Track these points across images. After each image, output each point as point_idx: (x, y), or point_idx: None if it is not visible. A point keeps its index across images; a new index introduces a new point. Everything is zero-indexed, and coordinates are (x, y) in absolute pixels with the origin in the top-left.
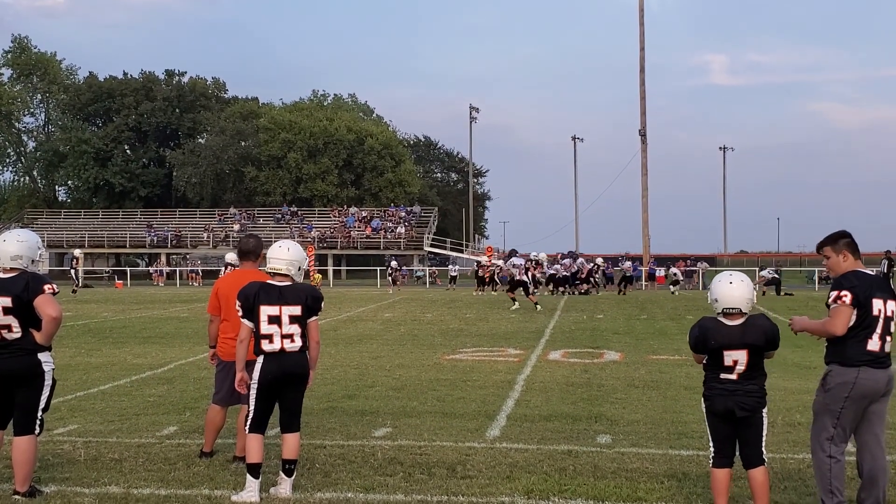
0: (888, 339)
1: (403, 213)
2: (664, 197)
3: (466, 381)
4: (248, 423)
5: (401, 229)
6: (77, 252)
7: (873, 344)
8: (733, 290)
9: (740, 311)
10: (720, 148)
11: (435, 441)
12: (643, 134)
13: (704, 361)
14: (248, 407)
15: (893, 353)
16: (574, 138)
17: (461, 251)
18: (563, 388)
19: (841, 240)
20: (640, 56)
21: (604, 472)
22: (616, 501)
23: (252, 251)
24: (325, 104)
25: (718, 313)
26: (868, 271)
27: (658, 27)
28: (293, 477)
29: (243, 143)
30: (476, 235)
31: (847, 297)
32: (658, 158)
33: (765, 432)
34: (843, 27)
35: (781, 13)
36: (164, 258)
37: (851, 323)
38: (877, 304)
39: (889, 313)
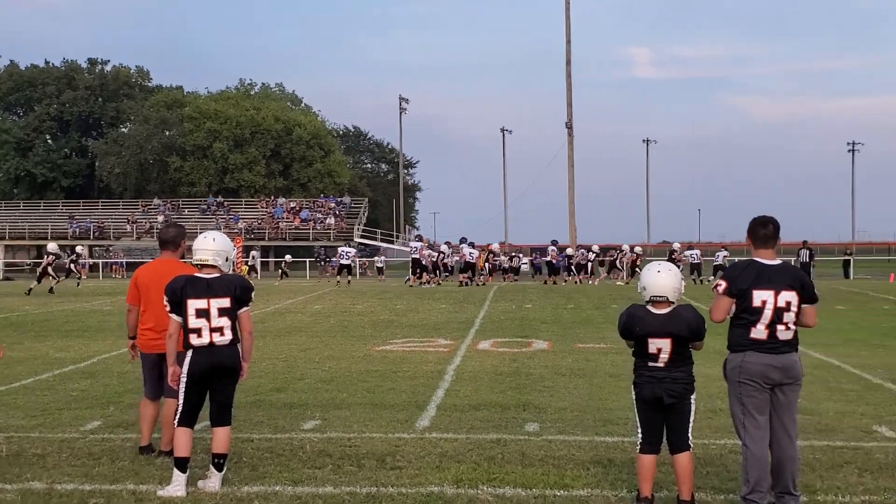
0: (781, 327)
1: (333, 204)
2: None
3: (396, 372)
4: (177, 416)
5: (331, 220)
6: (51, 247)
7: (757, 332)
8: (661, 279)
9: (667, 299)
10: (644, 140)
11: (364, 433)
12: (569, 126)
13: (633, 349)
14: (178, 401)
15: (806, 339)
16: (503, 130)
17: (392, 242)
18: (492, 377)
19: (750, 227)
20: (567, 49)
21: (532, 459)
22: (543, 488)
23: (171, 240)
24: (252, 93)
25: (647, 301)
26: (764, 261)
27: (584, 20)
28: (223, 472)
29: (168, 133)
30: (407, 226)
31: (721, 286)
32: (584, 150)
33: (692, 418)
34: (763, 22)
35: (703, 7)
36: (86, 250)
37: (732, 311)
38: (760, 294)
39: (783, 304)
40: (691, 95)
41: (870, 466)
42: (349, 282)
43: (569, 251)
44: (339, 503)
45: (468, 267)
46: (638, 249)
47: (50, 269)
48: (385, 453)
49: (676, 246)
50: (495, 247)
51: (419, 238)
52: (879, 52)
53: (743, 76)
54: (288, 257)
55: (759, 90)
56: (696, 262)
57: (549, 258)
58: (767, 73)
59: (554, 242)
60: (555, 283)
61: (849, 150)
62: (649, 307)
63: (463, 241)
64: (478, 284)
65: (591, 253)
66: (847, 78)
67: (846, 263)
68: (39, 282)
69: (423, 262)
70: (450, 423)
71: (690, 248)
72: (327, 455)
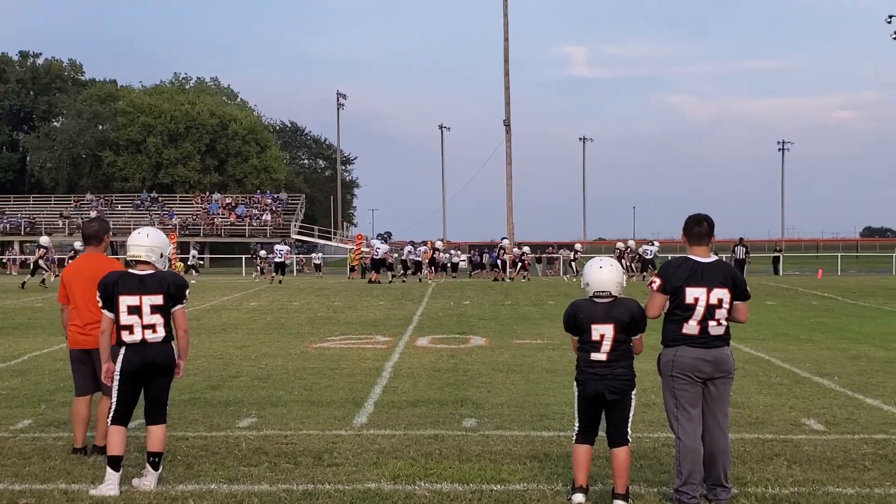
0: (713, 323)
1: (270, 200)
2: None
3: (334, 370)
4: (111, 414)
5: (267, 216)
6: (43, 240)
7: (689, 328)
8: (603, 274)
9: (610, 293)
10: (580, 138)
11: (301, 430)
12: (507, 124)
13: (578, 344)
14: (111, 398)
15: (737, 334)
16: (441, 127)
17: (329, 239)
18: (430, 373)
19: (685, 225)
20: (504, 47)
21: (469, 455)
22: (480, 483)
23: (94, 235)
24: (187, 88)
25: (591, 297)
26: (698, 258)
27: (522, 18)
28: (159, 470)
29: (101, 127)
30: (344, 223)
31: (656, 282)
32: (523, 148)
33: (631, 413)
34: (695, 23)
35: (637, 7)
36: (17, 246)
37: (666, 307)
38: (693, 292)
39: (715, 301)
40: (626, 94)
41: (799, 458)
42: (280, 281)
43: (506, 244)
44: (276, 501)
45: (415, 265)
46: (578, 246)
47: (42, 262)
48: (322, 450)
49: (620, 245)
50: (439, 244)
51: (386, 237)
52: (809, 53)
53: (676, 76)
54: (195, 252)
55: (691, 89)
56: (649, 257)
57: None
58: (699, 73)
59: (503, 239)
60: (503, 279)
61: (779, 149)
62: (593, 300)
63: (388, 235)
64: (420, 280)
65: (524, 248)
66: (777, 78)
67: (776, 260)
68: (33, 275)
69: (389, 261)
70: (387, 420)
71: (651, 244)
72: (263, 453)
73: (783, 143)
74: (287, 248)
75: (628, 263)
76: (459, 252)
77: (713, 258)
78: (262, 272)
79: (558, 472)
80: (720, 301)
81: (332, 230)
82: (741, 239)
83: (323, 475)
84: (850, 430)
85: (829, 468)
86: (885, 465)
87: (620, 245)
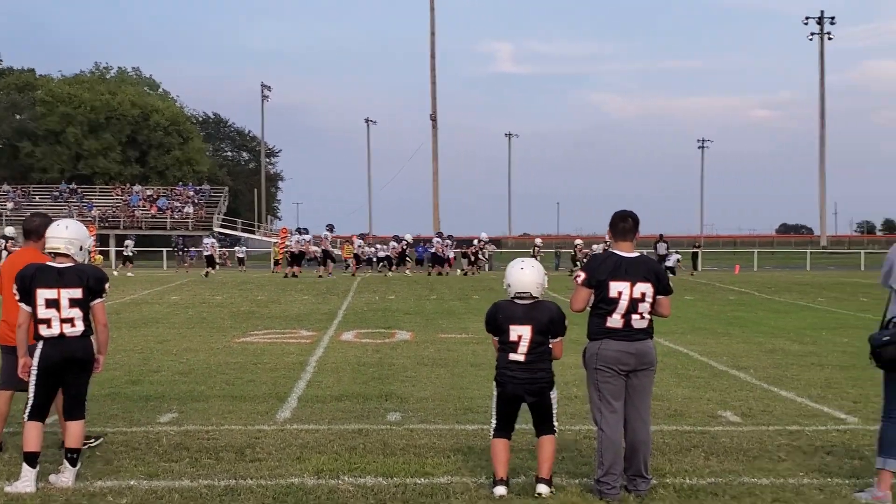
0: (636, 317)
1: (192, 193)
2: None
3: (257, 364)
4: (28, 410)
5: (189, 209)
6: (8, 230)
7: (613, 321)
8: (524, 276)
9: (531, 294)
10: (506, 134)
11: (223, 425)
12: (434, 119)
13: (498, 344)
14: (29, 394)
15: (656, 328)
16: (367, 120)
17: (253, 232)
18: (355, 368)
19: (611, 221)
20: (431, 41)
21: (393, 448)
22: (404, 477)
23: (34, 230)
24: (108, 77)
25: (512, 298)
26: (623, 253)
27: (449, 13)
28: (77, 466)
29: (18, 117)
30: (269, 216)
31: (580, 277)
32: (449, 143)
33: (555, 409)
34: (618, 21)
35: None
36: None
37: (591, 301)
38: (617, 286)
39: (638, 295)
40: (551, 91)
41: (716, 450)
42: (206, 273)
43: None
44: (196, 497)
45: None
46: (538, 241)
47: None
48: (244, 445)
49: (539, 241)
50: (408, 237)
51: (330, 228)
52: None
53: (599, 74)
54: (129, 243)
55: (614, 88)
56: (662, 254)
57: (433, 249)
58: (622, 71)
59: (439, 234)
60: (439, 273)
61: (698, 147)
62: (515, 301)
63: (300, 230)
64: (353, 275)
65: (449, 241)
66: (697, 78)
67: (695, 256)
68: None
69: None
70: (311, 415)
71: (670, 252)
72: (184, 448)
73: (703, 141)
74: (214, 240)
75: (581, 259)
76: (385, 246)
77: (637, 254)
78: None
79: (482, 464)
80: (643, 295)
81: (256, 223)
82: (661, 236)
83: (245, 470)
84: (766, 421)
85: (745, 459)
86: (799, 456)
87: (539, 241)
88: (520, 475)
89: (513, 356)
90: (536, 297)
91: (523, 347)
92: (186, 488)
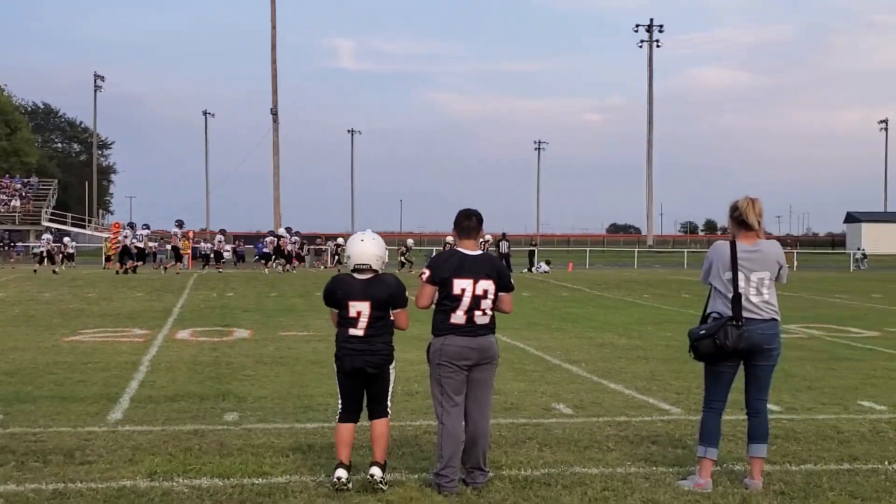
0: (478, 313)
1: (19, 185)
2: (297, 175)
3: (87, 364)
4: None
5: (16, 202)
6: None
7: (457, 318)
8: (364, 247)
9: (370, 267)
10: (349, 130)
11: (51, 427)
12: (275, 112)
13: (337, 318)
14: None
15: (500, 324)
16: (206, 113)
17: (84, 227)
18: (191, 367)
19: (456, 219)
20: (272, 34)
21: (230, 449)
22: (241, 477)
23: None
24: None
25: (352, 270)
26: (466, 251)
27: (291, 6)
28: None
29: None
30: (100, 210)
31: (425, 274)
32: (291, 137)
33: (391, 387)
34: (459, 22)
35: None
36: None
37: (436, 298)
38: (460, 283)
39: (480, 292)
40: (394, 89)
41: (549, 441)
42: (34, 270)
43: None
44: (23, 501)
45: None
46: (340, 241)
47: None
48: (74, 448)
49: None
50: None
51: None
52: (564, 58)
53: (440, 74)
54: None
55: (455, 87)
56: (505, 252)
57: (267, 249)
58: (464, 72)
59: (288, 230)
60: (288, 270)
61: (535, 149)
62: (354, 274)
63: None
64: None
65: (293, 237)
66: (535, 80)
67: (531, 254)
68: None
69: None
70: (144, 415)
71: (504, 239)
72: (10, 451)
73: (539, 142)
74: (51, 236)
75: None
76: (223, 240)
77: (480, 251)
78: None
79: (322, 462)
80: (486, 292)
81: (87, 218)
82: (504, 234)
83: (74, 473)
84: (596, 413)
85: (577, 450)
86: (627, 446)
87: (338, 240)
88: (359, 472)
89: (352, 331)
90: (377, 271)
91: (362, 323)
92: (12, 493)
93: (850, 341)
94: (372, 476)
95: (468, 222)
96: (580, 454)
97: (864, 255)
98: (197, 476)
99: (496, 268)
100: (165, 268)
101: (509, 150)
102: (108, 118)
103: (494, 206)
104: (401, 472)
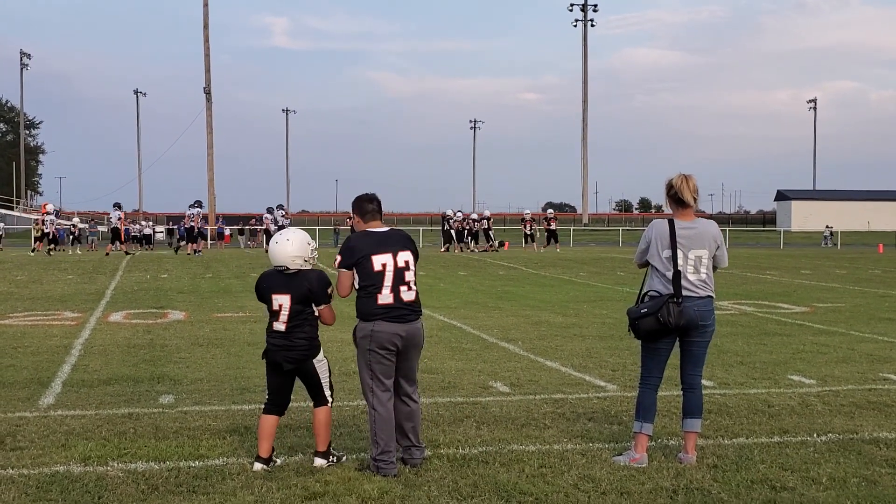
0: (403, 288)
1: None
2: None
3: (17, 348)
4: None
5: None
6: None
7: (384, 298)
8: (278, 249)
9: (287, 268)
10: (283, 110)
11: None
12: (208, 92)
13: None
14: None
15: (431, 303)
16: (137, 92)
17: (12, 208)
18: (125, 350)
19: (357, 205)
20: (204, 12)
21: (166, 432)
22: (178, 460)
23: None
24: None
25: (279, 269)
26: (376, 229)
27: None
28: None
29: None
30: (29, 191)
31: (337, 260)
32: (225, 117)
33: (323, 378)
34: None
35: None
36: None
37: (356, 283)
38: (380, 259)
39: (401, 264)
40: (328, 68)
41: (487, 419)
42: None
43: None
44: None
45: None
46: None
47: None
48: (4, 434)
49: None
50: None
51: (199, 204)
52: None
53: (376, 52)
54: None
55: (390, 66)
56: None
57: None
58: (399, 51)
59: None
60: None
61: (471, 128)
62: (278, 270)
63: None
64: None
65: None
66: (471, 59)
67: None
68: None
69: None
70: (77, 400)
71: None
72: None
73: (475, 121)
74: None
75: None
76: (152, 223)
77: (388, 228)
78: None
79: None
80: (407, 263)
81: (15, 199)
82: (446, 213)
83: (6, 460)
84: (532, 391)
85: (514, 427)
86: (563, 423)
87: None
88: (297, 452)
89: (276, 325)
90: (295, 270)
91: (284, 316)
92: None
93: (780, 317)
94: (316, 468)
95: (371, 205)
96: (517, 432)
97: (832, 233)
98: (132, 460)
99: (409, 238)
100: (178, 248)
101: (445, 130)
102: (36, 97)
103: (431, 185)
104: (340, 452)
